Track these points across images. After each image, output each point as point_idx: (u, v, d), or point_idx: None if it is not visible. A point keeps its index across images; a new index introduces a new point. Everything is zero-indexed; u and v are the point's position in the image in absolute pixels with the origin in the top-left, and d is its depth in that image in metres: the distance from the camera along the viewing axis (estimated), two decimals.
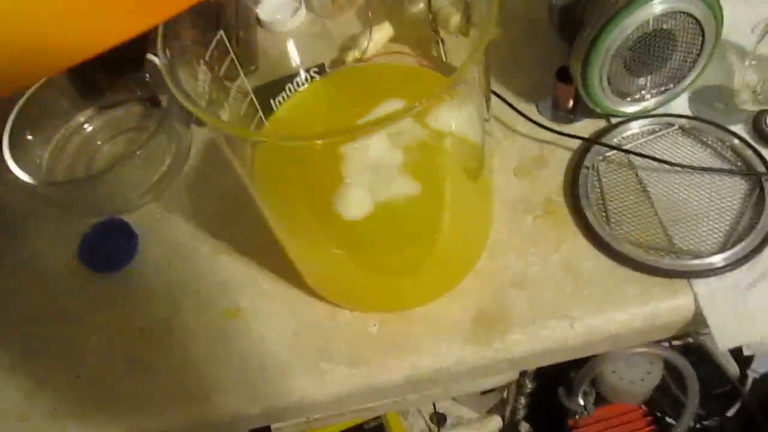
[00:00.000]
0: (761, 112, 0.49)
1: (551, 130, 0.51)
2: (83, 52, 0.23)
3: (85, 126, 0.58)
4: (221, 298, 0.47)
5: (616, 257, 0.44)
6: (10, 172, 0.49)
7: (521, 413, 0.76)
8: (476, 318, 0.44)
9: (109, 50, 0.24)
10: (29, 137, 0.54)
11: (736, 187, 0.46)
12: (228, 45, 0.37)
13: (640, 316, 0.43)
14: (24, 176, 0.49)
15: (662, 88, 0.50)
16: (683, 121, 0.50)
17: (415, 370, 0.43)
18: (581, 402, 0.73)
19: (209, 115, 0.31)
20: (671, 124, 0.50)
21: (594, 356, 0.68)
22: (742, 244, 0.43)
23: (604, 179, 0.48)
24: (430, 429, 0.82)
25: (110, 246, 0.51)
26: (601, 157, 0.49)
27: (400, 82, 0.45)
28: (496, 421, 0.80)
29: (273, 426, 0.61)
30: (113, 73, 0.56)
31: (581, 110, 0.51)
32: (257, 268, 0.48)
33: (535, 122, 0.51)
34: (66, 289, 0.50)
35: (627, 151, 0.49)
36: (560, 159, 0.50)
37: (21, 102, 0.53)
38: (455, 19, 0.48)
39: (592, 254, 0.45)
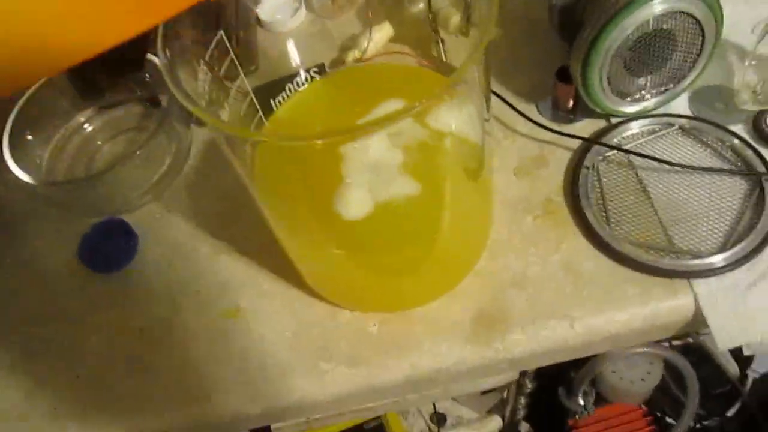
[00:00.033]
0: (761, 112, 0.49)
1: (551, 130, 0.51)
2: (83, 52, 0.23)
3: (85, 126, 0.58)
4: (221, 298, 0.47)
5: (616, 257, 0.44)
6: (10, 172, 0.49)
7: (521, 413, 0.76)
8: (476, 318, 0.44)
9: (108, 50, 0.24)
10: (29, 137, 0.54)
11: (736, 187, 0.46)
12: (228, 45, 0.37)
13: (640, 316, 0.43)
14: (24, 176, 0.49)
15: (662, 88, 0.50)
16: (683, 121, 0.50)
17: (415, 370, 0.43)
18: (581, 402, 0.73)
19: (209, 115, 0.31)
20: (671, 124, 0.50)
21: (594, 356, 0.68)
22: (742, 244, 0.43)
23: (604, 179, 0.48)
24: (430, 429, 0.82)
25: (110, 246, 0.51)
26: (601, 157, 0.49)
27: (400, 82, 0.45)
28: (496, 421, 0.80)
29: (273, 426, 0.61)
30: (113, 73, 0.56)
31: (581, 110, 0.51)
32: (257, 268, 0.48)
33: (535, 122, 0.51)
34: (66, 289, 0.50)
35: (627, 151, 0.49)
36: (560, 159, 0.50)
37: (21, 102, 0.53)
38: (455, 19, 0.48)
39: (592, 254, 0.45)
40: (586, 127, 0.52)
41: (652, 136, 0.50)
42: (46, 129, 0.56)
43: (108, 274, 0.50)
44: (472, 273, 0.45)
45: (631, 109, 0.50)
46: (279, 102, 0.45)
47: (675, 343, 0.74)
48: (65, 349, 0.47)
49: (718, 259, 0.43)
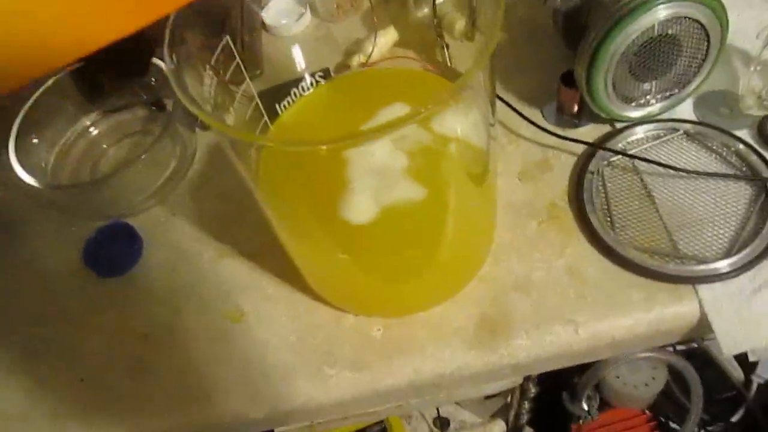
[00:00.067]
0: (766, 117, 0.49)
1: (556, 135, 0.51)
2: (81, 49, 0.23)
3: (91, 130, 0.58)
4: (225, 301, 0.47)
5: (620, 262, 0.44)
6: (16, 175, 0.50)
7: (525, 418, 0.76)
8: (480, 323, 0.43)
9: (108, 49, 0.24)
10: (35, 141, 0.54)
11: (741, 193, 0.46)
12: (234, 49, 0.37)
13: (645, 322, 0.43)
14: (29, 179, 0.49)
15: (667, 93, 0.50)
16: (688, 126, 0.50)
17: (418, 375, 0.43)
18: (585, 407, 0.73)
19: (215, 119, 0.31)
20: (676, 129, 0.50)
21: (598, 361, 0.68)
22: (748, 249, 0.43)
23: (609, 184, 0.48)
24: None
25: (115, 250, 0.51)
26: (605, 162, 0.49)
27: (404, 87, 0.45)
28: (500, 426, 0.79)
29: (276, 430, 0.60)
30: (119, 77, 0.56)
31: (586, 115, 0.51)
32: (261, 272, 0.48)
33: (539, 127, 0.51)
34: (67, 289, 0.50)
35: (632, 156, 0.49)
36: (565, 164, 0.50)
37: (27, 106, 0.53)
38: (460, 24, 0.48)
39: (597, 259, 0.45)
40: (590, 131, 0.52)
41: (657, 141, 0.50)
42: (52, 132, 0.56)
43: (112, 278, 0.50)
44: (476, 278, 0.45)
45: (636, 114, 0.50)
46: (284, 106, 0.45)
47: (679, 347, 0.74)
48: (66, 349, 0.47)
49: (723, 265, 0.43)
